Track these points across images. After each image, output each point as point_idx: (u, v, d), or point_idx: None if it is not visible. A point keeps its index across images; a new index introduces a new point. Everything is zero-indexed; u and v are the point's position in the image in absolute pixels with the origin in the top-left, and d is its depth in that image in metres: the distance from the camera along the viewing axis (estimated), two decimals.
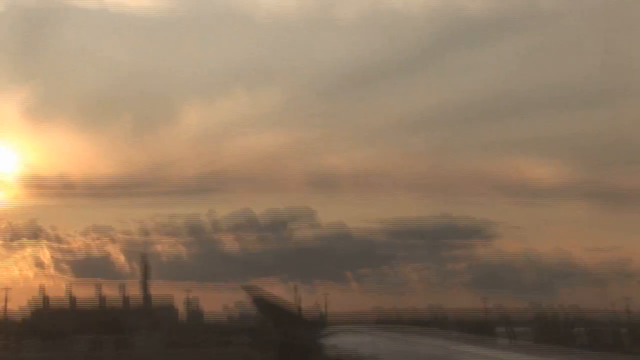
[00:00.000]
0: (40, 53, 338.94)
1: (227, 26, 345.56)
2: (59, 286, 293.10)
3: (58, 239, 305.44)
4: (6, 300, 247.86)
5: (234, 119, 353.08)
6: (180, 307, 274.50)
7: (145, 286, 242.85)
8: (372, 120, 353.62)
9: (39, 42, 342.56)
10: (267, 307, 17.16)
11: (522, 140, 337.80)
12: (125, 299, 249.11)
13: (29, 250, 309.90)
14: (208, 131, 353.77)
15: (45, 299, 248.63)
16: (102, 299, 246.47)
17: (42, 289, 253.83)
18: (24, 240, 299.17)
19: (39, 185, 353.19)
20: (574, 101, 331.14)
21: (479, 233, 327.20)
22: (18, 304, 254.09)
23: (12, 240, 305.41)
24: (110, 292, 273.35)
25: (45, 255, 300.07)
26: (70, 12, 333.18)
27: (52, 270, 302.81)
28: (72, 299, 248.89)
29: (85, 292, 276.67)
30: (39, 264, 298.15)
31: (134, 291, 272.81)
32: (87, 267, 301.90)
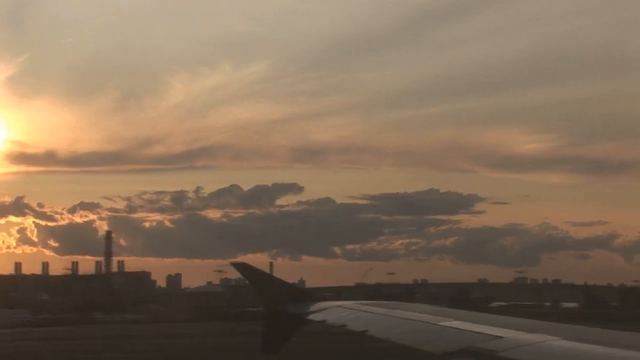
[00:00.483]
0: (23, 25, 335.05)
1: None
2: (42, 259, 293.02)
3: (46, 216, 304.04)
4: None
5: (220, 91, 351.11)
6: (162, 281, 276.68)
7: (109, 258, 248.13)
8: (359, 93, 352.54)
9: (22, 13, 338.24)
10: (257, 279, 17.18)
11: (510, 112, 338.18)
12: (99, 272, 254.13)
13: (15, 225, 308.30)
14: (194, 104, 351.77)
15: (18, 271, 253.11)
16: (75, 270, 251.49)
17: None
18: (11, 217, 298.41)
19: (24, 159, 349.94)
20: (562, 73, 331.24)
21: (465, 207, 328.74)
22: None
23: None
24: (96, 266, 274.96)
25: (32, 229, 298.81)
26: None
27: (37, 243, 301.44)
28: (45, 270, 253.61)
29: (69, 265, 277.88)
30: (24, 238, 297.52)
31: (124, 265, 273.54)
32: (73, 241, 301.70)
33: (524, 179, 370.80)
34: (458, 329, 10.61)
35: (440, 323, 11.13)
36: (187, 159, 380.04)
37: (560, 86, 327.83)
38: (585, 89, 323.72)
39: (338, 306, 14.27)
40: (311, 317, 14.31)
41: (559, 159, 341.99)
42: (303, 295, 16.09)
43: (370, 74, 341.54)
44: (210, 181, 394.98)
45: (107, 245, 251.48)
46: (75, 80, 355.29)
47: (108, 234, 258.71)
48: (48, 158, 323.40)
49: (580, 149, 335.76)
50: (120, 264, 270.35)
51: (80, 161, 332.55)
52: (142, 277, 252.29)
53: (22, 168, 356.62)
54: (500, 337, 9.46)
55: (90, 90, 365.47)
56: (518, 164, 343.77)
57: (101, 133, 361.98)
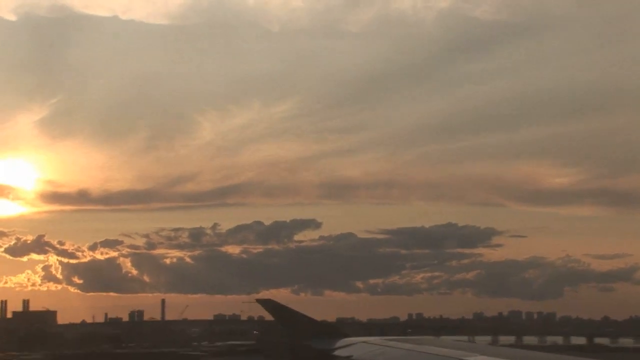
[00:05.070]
0: (55, 68, 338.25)
1: (239, 36, 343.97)
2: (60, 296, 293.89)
3: (66, 253, 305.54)
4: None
5: (249, 129, 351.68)
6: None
7: None
8: (386, 129, 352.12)
9: (53, 54, 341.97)
10: (282, 315, 17.33)
11: (535, 146, 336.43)
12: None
13: (39, 262, 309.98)
14: (223, 142, 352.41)
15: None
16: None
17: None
18: (32, 255, 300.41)
19: (57, 198, 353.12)
20: (587, 106, 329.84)
21: (483, 241, 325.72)
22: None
23: (21, 254, 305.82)
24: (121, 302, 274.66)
25: (53, 267, 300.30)
26: (82, 21, 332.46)
27: (62, 280, 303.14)
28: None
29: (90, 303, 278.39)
30: (44, 276, 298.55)
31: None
32: (93, 278, 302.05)
33: (546, 212, 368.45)
34: None
35: (466, 358, 11.21)
36: (218, 196, 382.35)
37: (586, 120, 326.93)
38: (611, 122, 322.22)
39: (364, 342, 14.36)
40: (337, 352, 14.42)
41: (585, 192, 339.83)
42: (328, 330, 16.19)
43: (397, 110, 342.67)
44: (239, 218, 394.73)
45: None
46: (106, 120, 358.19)
47: None
48: (80, 197, 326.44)
49: (606, 181, 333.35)
50: (25, 303, 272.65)
51: (112, 200, 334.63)
52: (45, 317, 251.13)
53: (56, 207, 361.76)
54: None
55: (121, 130, 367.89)
56: (545, 198, 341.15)
57: (133, 172, 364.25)
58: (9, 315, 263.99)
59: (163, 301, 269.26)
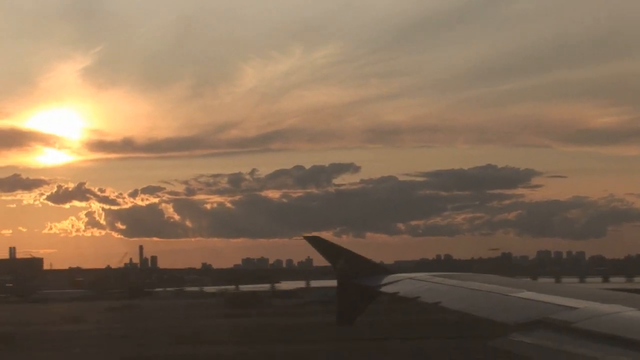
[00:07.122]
0: (98, 17, 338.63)
1: None
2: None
3: (107, 200, 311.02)
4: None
5: (292, 76, 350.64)
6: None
7: None
8: (430, 73, 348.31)
9: (96, 5, 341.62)
10: (329, 252, 17.39)
11: (579, 87, 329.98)
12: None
13: (82, 209, 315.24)
14: (267, 89, 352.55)
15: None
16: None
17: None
18: (74, 202, 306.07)
19: (100, 147, 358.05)
20: (633, 46, 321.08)
21: (523, 182, 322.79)
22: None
23: (63, 201, 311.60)
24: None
25: (96, 213, 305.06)
26: None
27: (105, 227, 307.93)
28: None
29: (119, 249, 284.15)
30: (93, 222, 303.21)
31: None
32: (136, 224, 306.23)
33: (590, 152, 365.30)
34: (531, 299, 10.60)
35: (513, 294, 11.13)
36: (262, 142, 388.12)
37: (631, 60, 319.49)
38: None
39: (410, 278, 14.38)
40: (383, 289, 14.46)
41: (631, 131, 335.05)
42: (375, 268, 16.25)
43: (440, 53, 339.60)
44: (282, 163, 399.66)
45: None
46: (150, 69, 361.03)
47: None
48: (125, 145, 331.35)
49: None
50: (12, 250, 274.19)
51: (157, 147, 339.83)
52: (30, 264, 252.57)
53: (101, 155, 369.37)
54: (575, 307, 9.43)
55: (166, 78, 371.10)
56: (589, 138, 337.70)
57: (178, 120, 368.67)
58: None
59: (141, 247, 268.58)
